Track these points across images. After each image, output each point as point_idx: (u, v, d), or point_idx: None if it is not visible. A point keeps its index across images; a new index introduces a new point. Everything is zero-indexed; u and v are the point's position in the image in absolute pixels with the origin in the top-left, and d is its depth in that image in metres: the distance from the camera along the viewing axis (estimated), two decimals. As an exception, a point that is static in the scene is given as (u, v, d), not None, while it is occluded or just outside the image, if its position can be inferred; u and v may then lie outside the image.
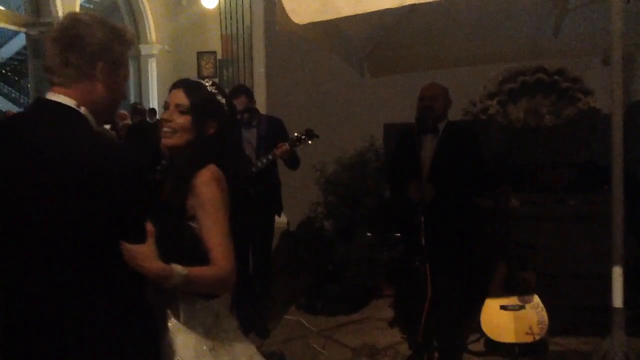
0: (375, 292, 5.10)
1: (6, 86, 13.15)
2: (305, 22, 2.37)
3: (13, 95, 13.64)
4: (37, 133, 1.59)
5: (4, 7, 10.84)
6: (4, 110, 13.23)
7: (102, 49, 1.64)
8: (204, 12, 10.64)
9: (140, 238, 1.60)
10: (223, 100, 1.97)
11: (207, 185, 1.82)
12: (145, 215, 1.64)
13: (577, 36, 3.98)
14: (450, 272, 3.53)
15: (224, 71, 10.92)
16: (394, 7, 2.36)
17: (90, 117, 1.64)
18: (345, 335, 4.54)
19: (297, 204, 5.26)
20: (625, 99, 2.90)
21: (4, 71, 11.85)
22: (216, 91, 1.97)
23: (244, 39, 9.94)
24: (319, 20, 2.36)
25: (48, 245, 1.54)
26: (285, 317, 4.88)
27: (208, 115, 1.92)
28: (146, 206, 1.67)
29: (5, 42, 13.69)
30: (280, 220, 4.93)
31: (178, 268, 1.67)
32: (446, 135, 3.67)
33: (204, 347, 1.88)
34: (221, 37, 10.47)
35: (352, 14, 2.29)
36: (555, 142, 4.82)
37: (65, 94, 1.61)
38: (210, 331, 1.92)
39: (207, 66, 11.42)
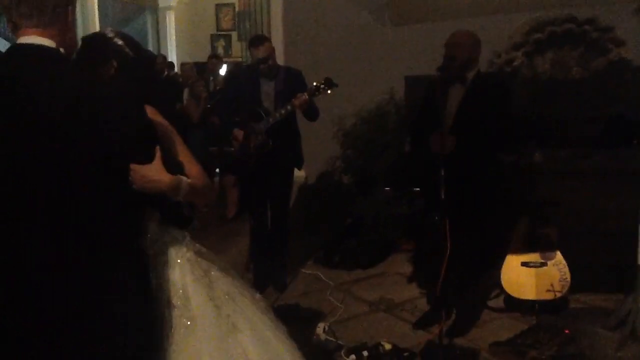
0: (393, 247, 5.07)
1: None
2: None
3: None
4: (30, 76, 1.55)
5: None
6: None
7: None
8: (222, -38, 10.38)
9: (149, 159, 1.72)
10: (120, 42, 1.99)
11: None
12: (150, 137, 1.74)
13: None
14: (469, 227, 3.46)
15: (243, 23, 10.71)
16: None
17: None
18: (363, 289, 4.53)
19: (315, 158, 5.19)
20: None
21: None
22: (112, 35, 2.01)
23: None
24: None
25: (58, 193, 1.52)
26: (303, 271, 4.89)
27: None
28: (149, 129, 1.74)
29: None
30: (299, 174, 4.88)
31: (183, 177, 1.83)
32: (474, 86, 3.53)
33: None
34: (239, -13, 10.23)
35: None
36: (582, 95, 4.65)
37: (43, 36, 1.58)
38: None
39: (225, 19, 11.22)
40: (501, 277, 3.90)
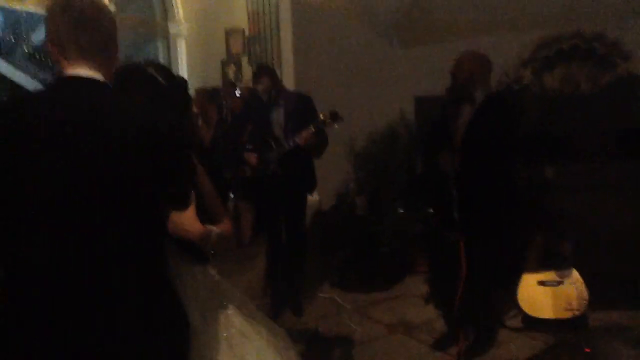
0: (409, 268, 5.07)
1: (41, 71, 13.35)
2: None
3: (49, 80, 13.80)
4: (85, 109, 1.60)
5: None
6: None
7: (114, 29, 1.72)
8: (230, -12, 10.54)
9: (186, 203, 1.74)
10: (152, 71, 2.04)
11: None
12: (188, 180, 1.74)
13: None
14: (484, 247, 3.46)
15: (253, 48, 10.85)
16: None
17: None
18: (380, 311, 4.53)
19: (328, 180, 5.22)
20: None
21: (37, 56, 11.99)
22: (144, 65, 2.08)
23: (270, 13, 9.82)
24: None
25: (97, 210, 1.56)
26: (320, 294, 4.90)
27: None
28: (190, 171, 1.76)
29: (35, 27, 13.86)
30: (312, 197, 4.91)
31: (213, 228, 1.84)
32: (483, 105, 3.55)
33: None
34: (249, 13, 10.36)
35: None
36: (592, 110, 4.66)
37: (93, 69, 1.65)
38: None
39: (235, 44, 11.36)
40: (518, 296, 3.89)
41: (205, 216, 1.87)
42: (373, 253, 4.82)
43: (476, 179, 3.39)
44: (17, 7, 9.50)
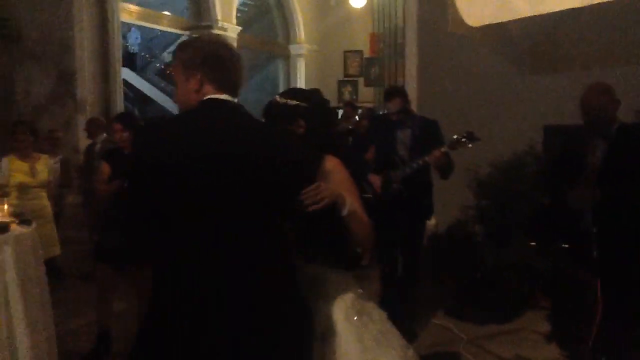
0: (530, 303, 4.85)
1: (170, 85, 14.30)
2: (480, 25, 2.30)
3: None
4: (227, 122, 1.89)
5: (170, 12, 11.75)
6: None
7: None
8: (352, 12, 10.77)
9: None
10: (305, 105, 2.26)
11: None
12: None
13: None
14: (625, 288, 3.24)
15: (370, 69, 10.97)
16: (577, 6, 2.21)
17: None
18: (497, 345, 4.36)
19: (447, 206, 5.14)
20: None
21: (167, 72, 12.86)
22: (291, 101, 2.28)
23: (390, 36, 9.90)
24: (495, 22, 2.28)
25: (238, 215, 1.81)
26: (434, 321, 4.81)
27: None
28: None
29: (169, 45, 14.89)
30: (429, 222, 4.85)
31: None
32: (617, 138, 3.37)
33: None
34: (370, 36, 10.51)
35: (533, 14, 2.18)
36: None
37: (227, 93, 1.94)
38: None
39: (352, 65, 11.56)
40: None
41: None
42: (491, 284, 4.66)
43: (617, 216, 3.20)
44: (153, 25, 10.26)
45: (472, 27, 2.29)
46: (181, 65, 1.94)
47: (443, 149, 4.01)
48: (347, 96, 11.35)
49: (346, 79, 11.58)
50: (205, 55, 1.91)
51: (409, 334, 4.44)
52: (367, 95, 11.02)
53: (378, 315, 2.15)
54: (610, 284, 3.12)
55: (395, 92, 4.45)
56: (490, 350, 4.29)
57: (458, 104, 5.62)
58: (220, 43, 2.00)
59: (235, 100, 1.96)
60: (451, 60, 5.58)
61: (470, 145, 3.91)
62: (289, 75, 12.12)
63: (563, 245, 3.40)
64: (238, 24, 10.38)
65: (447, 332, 4.61)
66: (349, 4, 10.48)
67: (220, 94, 1.91)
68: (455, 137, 3.98)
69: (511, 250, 4.72)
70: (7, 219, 3.33)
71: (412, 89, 6.12)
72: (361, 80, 11.37)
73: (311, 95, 2.31)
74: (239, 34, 10.25)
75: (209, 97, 1.90)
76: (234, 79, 1.95)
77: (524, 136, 5.01)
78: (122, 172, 3.93)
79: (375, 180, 4.35)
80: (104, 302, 4.24)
